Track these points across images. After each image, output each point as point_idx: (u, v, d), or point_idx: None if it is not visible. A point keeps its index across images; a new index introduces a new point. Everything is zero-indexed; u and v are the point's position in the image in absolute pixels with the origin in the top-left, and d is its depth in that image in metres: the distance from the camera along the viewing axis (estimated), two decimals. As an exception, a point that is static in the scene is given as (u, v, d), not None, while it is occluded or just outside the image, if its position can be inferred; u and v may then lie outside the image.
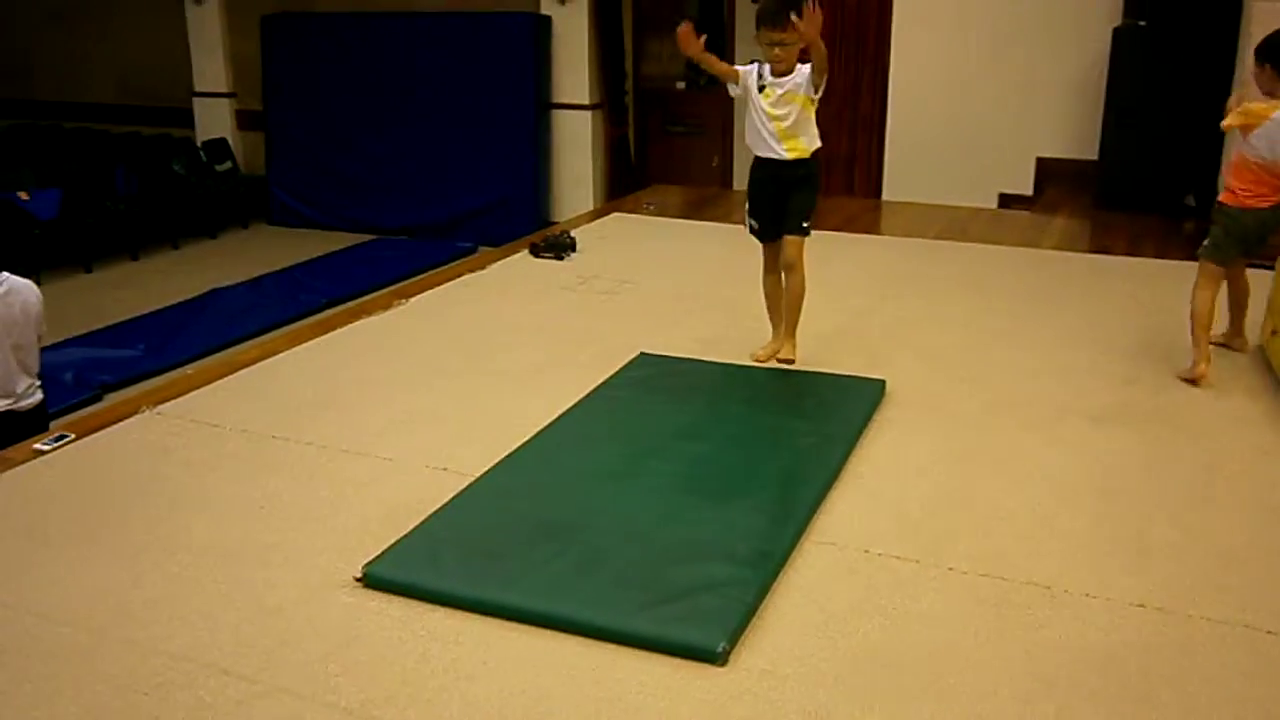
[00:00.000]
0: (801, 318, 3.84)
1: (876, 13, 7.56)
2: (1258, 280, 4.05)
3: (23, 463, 3.24)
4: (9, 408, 3.89)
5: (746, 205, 3.91)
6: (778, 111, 3.64)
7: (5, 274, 3.91)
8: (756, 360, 3.91)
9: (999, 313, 4.58)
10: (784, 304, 3.87)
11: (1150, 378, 3.83)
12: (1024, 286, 4.98)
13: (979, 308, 4.66)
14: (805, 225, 3.76)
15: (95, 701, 2.16)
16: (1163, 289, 4.84)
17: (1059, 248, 5.70)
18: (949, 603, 2.48)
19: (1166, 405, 3.60)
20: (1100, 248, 5.73)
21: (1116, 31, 6.45)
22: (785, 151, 3.69)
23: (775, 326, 3.98)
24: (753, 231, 3.93)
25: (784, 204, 3.77)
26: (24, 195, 8.42)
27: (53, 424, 3.96)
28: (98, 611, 2.46)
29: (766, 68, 3.66)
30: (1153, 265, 5.32)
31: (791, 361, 3.84)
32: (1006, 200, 7.18)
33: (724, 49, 9.29)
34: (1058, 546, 2.71)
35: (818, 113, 3.70)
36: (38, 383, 4.04)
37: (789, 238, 3.78)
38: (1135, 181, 6.49)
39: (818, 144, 3.76)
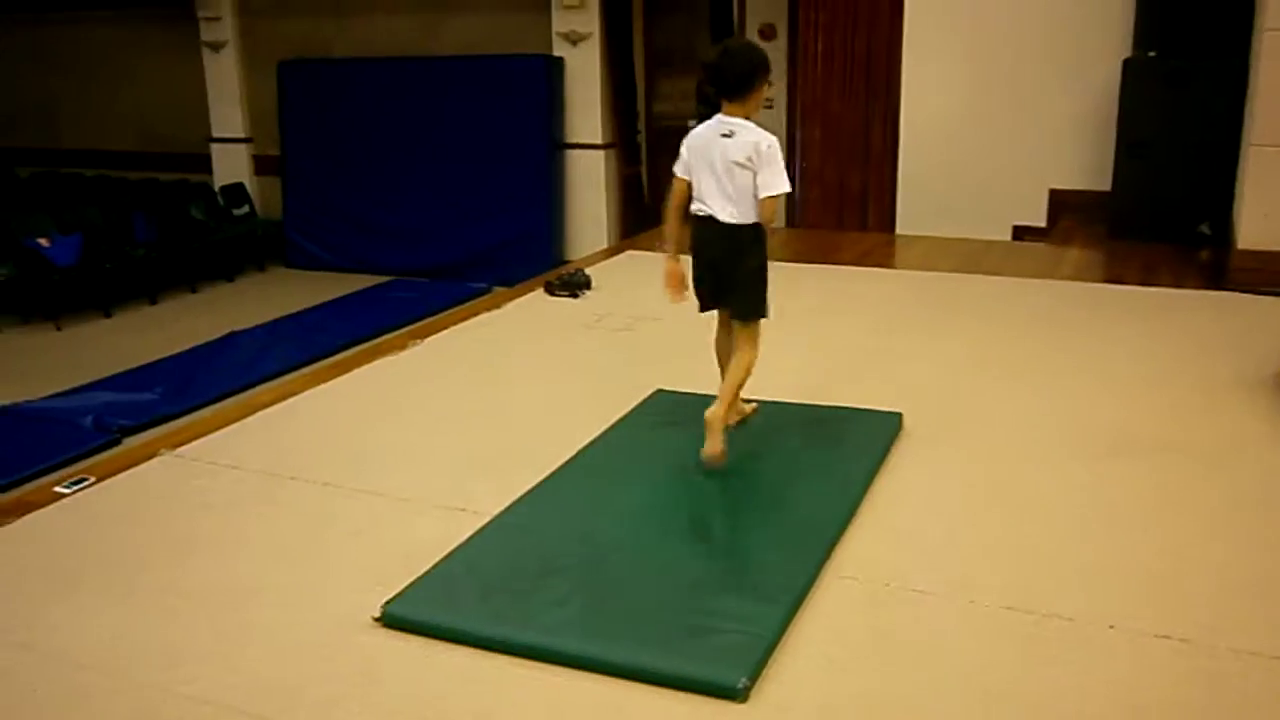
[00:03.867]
0: (801, 362, 3.55)
1: (886, 47, 7.60)
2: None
3: (43, 505, 3.26)
4: None
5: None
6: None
7: None
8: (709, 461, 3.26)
9: (1015, 344, 4.57)
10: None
11: (1169, 408, 3.81)
12: (1040, 318, 4.97)
13: (995, 340, 4.65)
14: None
15: (115, 744, 2.16)
16: (1179, 318, 4.82)
17: (1073, 278, 5.69)
18: (972, 636, 2.45)
19: (1186, 436, 3.57)
20: (1114, 277, 5.72)
21: (1126, 63, 6.47)
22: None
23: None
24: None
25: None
26: (45, 242, 8.53)
27: (73, 467, 3.98)
28: (118, 654, 2.46)
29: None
30: (1168, 294, 5.30)
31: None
32: (1020, 232, 7.18)
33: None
34: (1079, 579, 2.68)
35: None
36: None
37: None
38: (1148, 211, 6.48)
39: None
